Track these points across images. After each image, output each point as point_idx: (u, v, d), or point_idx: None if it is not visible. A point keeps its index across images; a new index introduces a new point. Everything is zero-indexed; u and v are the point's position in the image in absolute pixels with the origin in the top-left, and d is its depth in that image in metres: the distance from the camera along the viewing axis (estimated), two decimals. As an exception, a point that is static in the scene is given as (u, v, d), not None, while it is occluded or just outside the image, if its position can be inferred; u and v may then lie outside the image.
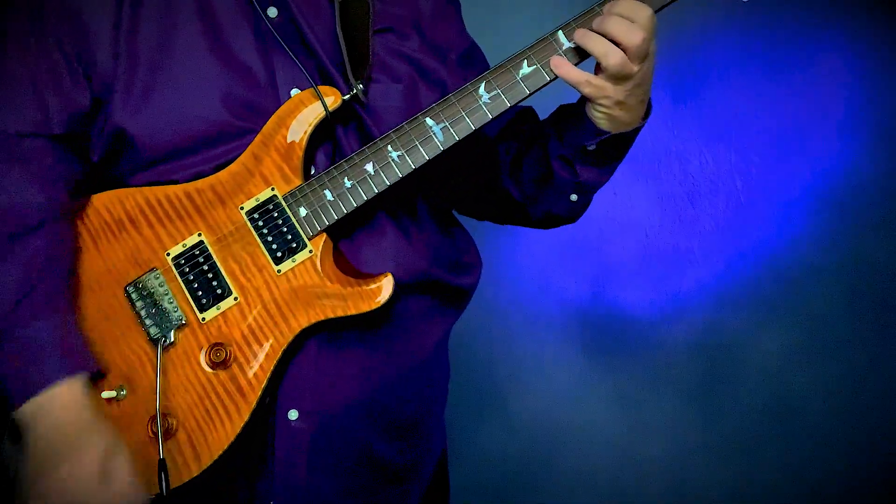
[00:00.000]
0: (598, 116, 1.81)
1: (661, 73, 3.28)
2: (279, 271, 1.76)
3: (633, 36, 1.69)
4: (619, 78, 1.73)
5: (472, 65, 2.04)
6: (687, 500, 3.37)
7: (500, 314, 3.34)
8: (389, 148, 1.78)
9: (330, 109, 1.79)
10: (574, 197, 1.97)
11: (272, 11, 1.84)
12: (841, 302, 3.32)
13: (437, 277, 1.93)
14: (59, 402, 1.69)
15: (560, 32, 1.77)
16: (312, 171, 1.83)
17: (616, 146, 1.88)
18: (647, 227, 3.36)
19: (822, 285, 3.32)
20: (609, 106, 1.77)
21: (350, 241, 1.85)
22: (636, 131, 1.87)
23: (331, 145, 1.84)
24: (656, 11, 1.75)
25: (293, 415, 1.80)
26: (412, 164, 1.78)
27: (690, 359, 3.36)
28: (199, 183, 1.79)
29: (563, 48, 1.77)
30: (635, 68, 1.72)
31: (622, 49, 1.70)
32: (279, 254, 1.77)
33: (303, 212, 1.78)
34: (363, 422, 1.87)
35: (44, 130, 1.80)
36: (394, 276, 1.83)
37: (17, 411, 1.69)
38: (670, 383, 3.37)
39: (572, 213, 2.03)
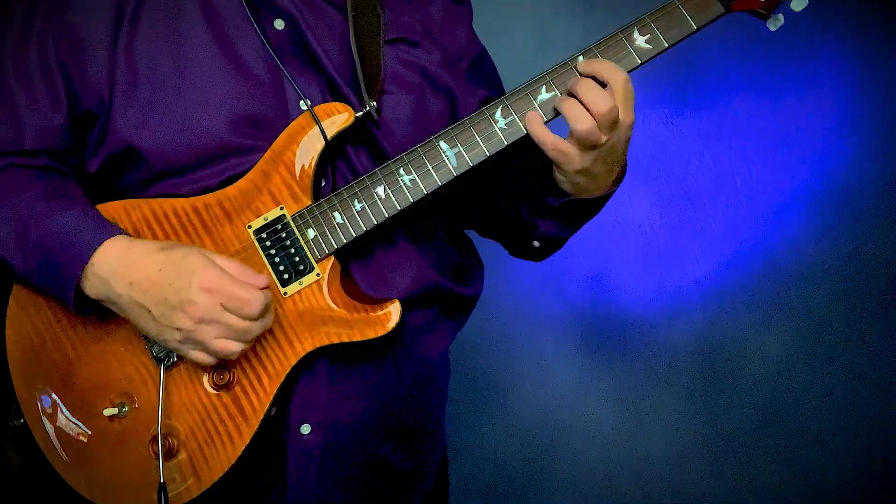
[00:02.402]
0: (561, 179, 1.76)
1: (662, 72, 3.30)
2: (285, 294, 1.73)
3: (600, 104, 1.64)
4: (585, 145, 1.67)
5: (482, 74, 2.00)
6: (687, 500, 3.37)
7: (501, 314, 3.33)
8: (401, 171, 1.74)
9: (343, 127, 1.75)
10: (536, 244, 1.95)
11: (279, 23, 1.80)
12: (841, 302, 3.32)
13: (444, 287, 1.90)
14: (121, 249, 1.69)
15: (581, 58, 1.72)
16: (322, 183, 1.80)
17: (581, 208, 1.84)
18: (647, 227, 3.35)
19: (821, 285, 3.32)
20: (570, 172, 1.72)
21: (357, 257, 1.82)
22: (604, 198, 1.82)
23: (341, 160, 1.81)
24: (630, 71, 1.70)
25: (305, 429, 1.79)
26: (424, 190, 1.74)
27: (690, 359, 3.36)
28: (207, 197, 1.76)
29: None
30: (603, 138, 1.66)
31: (592, 115, 1.65)
32: (286, 276, 1.74)
33: (311, 234, 1.74)
34: (372, 432, 1.86)
35: (12, 148, 1.79)
36: (405, 288, 1.82)
37: (83, 285, 1.69)
38: (670, 383, 3.37)
39: (535, 256, 2.01)
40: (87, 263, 1.69)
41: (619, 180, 1.81)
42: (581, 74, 1.70)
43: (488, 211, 2.01)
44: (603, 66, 1.67)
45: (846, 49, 3.28)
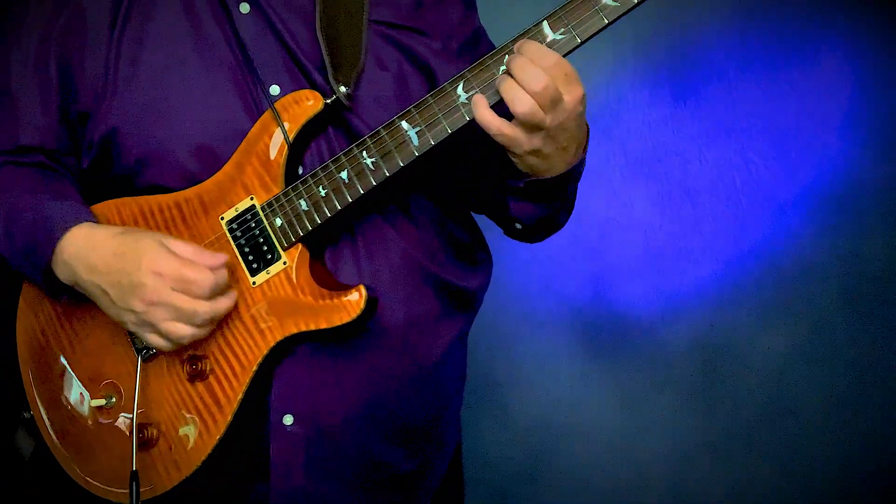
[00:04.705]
0: (515, 161, 1.70)
1: (661, 72, 3.31)
2: (254, 283, 1.74)
3: (535, 82, 1.58)
4: (529, 127, 1.62)
5: (475, 54, 1.91)
6: (687, 500, 3.36)
7: (501, 314, 3.32)
8: (364, 154, 1.71)
9: (312, 115, 1.74)
10: (518, 225, 1.89)
11: (244, 7, 1.81)
12: (841, 301, 3.31)
13: (435, 276, 1.87)
14: (83, 235, 1.74)
15: (545, 22, 1.65)
16: (301, 172, 1.79)
17: (548, 186, 1.76)
18: (647, 227, 3.35)
19: (822, 285, 3.31)
20: (520, 154, 1.66)
21: (335, 246, 1.80)
22: (567, 174, 1.74)
23: (322, 142, 1.81)
24: (567, 54, 1.63)
25: (288, 419, 1.78)
26: (386, 172, 1.70)
27: (690, 359, 3.35)
28: (189, 192, 1.78)
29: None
30: (548, 118, 1.61)
31: (530, 95, 1.59)
32: (255, 265, 1.75)
33: (278, 222, 1.74)
34: (365, 427, 1.84)
35: (8, 145, 1.84)
36: (387, 274, 1.80)
37: (54, 267, 1.74)
38: (670, 383, 3.36)
39: (526, 237, 1.95)
40: (55, 248, 1.74)
41: (577, 155, 1.74)
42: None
43: (464, 193, 1.97)
44: (532, 52, 1.60)
45: (847, 49, 3.27)
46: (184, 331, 1.68)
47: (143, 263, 1.66)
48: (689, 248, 3.33)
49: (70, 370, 1.84)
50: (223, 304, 1.70)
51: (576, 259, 3.35)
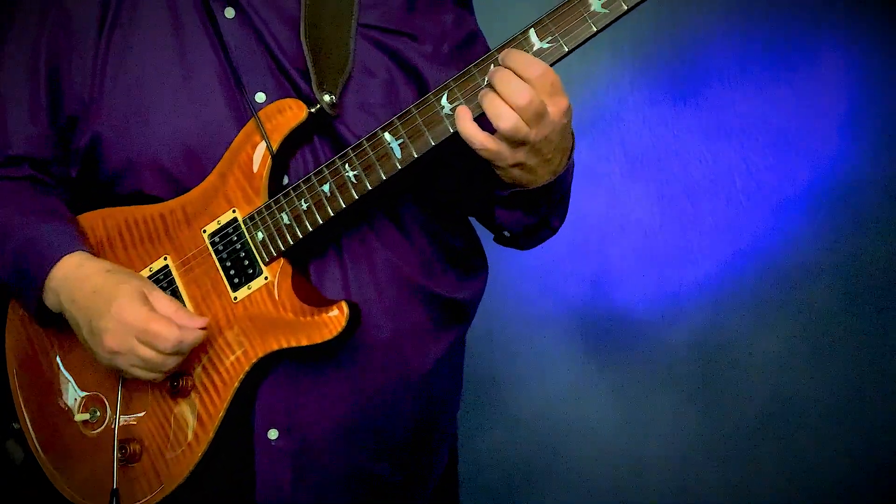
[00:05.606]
0: (499, 172, 1.66)
1: (662, 72, 3.30)
2: (235, 298, 1.71)
3: (519, 97, 1.52)
4: (513, 142, 1.56)
5: (468, 58, 1.80)
6: (687, 500, 3.36)
7: (501, 314, 3.33)
8: (346, 167, 1.66)
9: (295, 125, 1.71)
10: (506, 233, 1.84)
11: (229, 12, 1.78)
12: (841, 302, 3.30)
13: (424, 289, 1.83)
14: (74, 265, 1.73)
15: (532, 30, 1.58)
16: (286, 181, 1.75)
17: (533, 195, 1.70)
18: (647, 227, 3.35)
19: (822, 285, 3.30)
20: (503, 168, 1.62)
21: (321, 259, 1.77)
22: (553, 183, 1.69)
23: (307, 152, 1.77)
24: (553, 64, 1.57)
25: (273, 434, 1.76)
26: (368, 185, 1.65)
27: (690, 359, 3.35)
28: (174, 202, 1.76)
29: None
30: (532, 133, 1.55)
31: (513, 110, 1.53)
32: (236, 280, 1.72)
33: (260, 236, 1.70)
34: (351, 441, 1.81)
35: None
36: (372, 288, 1.78)
37: (43, 297, 1.75)
38: (670, 383, 3.36)
39: (517, 245, 1.89)
40: (46, 276, 1.73)
41: (563, 164, 1.69)
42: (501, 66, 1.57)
43: (449, 203, 1.91)
44: (517, 62, 1.54)
45: (846, 48, 3.26)
46: (150, 376, 1.69)
47: (112, 308, 1.66)
48: (689, 248, 3.33)
49: (55, 383, 1.83)
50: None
51: (575, 259, 3.35)
